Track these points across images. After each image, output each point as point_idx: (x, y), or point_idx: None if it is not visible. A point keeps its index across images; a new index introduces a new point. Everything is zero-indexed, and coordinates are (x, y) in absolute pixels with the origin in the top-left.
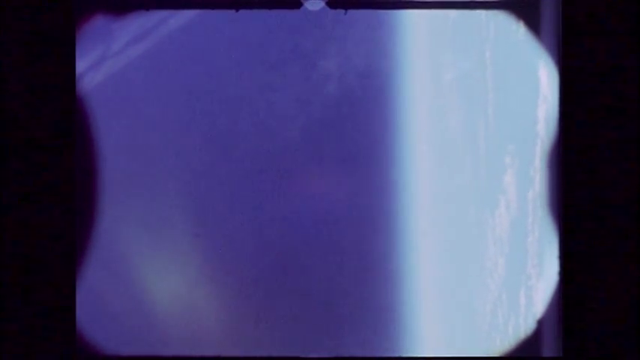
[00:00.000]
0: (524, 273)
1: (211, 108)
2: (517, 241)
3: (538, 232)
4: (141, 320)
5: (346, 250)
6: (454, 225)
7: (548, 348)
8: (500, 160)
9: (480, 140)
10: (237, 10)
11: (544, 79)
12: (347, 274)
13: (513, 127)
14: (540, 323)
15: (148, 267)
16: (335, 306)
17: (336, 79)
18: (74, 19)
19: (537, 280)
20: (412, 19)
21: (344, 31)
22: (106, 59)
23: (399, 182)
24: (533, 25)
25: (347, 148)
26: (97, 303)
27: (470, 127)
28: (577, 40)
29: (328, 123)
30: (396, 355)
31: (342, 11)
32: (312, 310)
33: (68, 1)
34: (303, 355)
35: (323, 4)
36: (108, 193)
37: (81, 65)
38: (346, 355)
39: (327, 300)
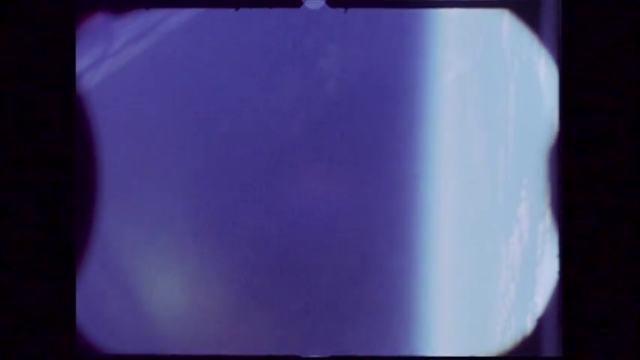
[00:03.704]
0: (531, 301)
1: (211, 106)
2: (527, 270)
3: (546, 264)
4: (140, 320)
5: (345, 250)
6: (468, 239)
7: (548, 348)
8: (517, 191)
9: (500, 157)
10: (237, 9)
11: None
12: (347, 274)
13: (529, 161)
14: (540, 323)
15: (147, 267)
16: (335, 306)
17: (336, 78)
18: (74, 17)
19: (543, 310)
20: (412, 17)
21: (344, 29)
22: (106, 58)
23: (400, 182)
24: (534, 25)
25: (347, 147)
26: (96, 303)
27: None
28: (577, 40)
29: (328, 122)
30: (398, 354)
31: (342, 10)
32: (313, 310)
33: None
34: (303, 355)
35: (323, 2)
36: (108, 192)
37: (81, 64)
38: (346, 354)
39: (326, 300)
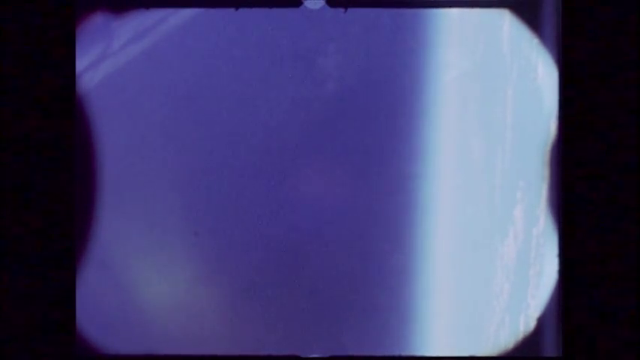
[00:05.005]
0: (524, 301)
1: (211, 106)
2: (521, 271)
3: (539, 267)
4: (140, 320)
5: (345, 250)
6: (465, 240)
7: (548, 348)
8: (513, 194)
9: (497, 161)
10: (236, 9)
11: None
12: (346, 274)
13: (526, 163)
14: (540, 323)
15: (147, 266)
16: (335, 306)
17: (335, 77)
18: (74, 17)
19: (535, 311)
20: (412, 17)
21: (344, 29)
22: (106, 58)
23: (398, 182)
24: (534, 25)
25: (346, 147)
26: (96, 303)
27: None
28: (577, 40)
29: (328, 122)
30: (398, 353)
31: (342, 10)
32: (313, 310)
33: None
34: (303, 355)
35: (323, 2)
36: (108, 192)
37: (81, 64)
38: (346, 354)
39: (326, 300)
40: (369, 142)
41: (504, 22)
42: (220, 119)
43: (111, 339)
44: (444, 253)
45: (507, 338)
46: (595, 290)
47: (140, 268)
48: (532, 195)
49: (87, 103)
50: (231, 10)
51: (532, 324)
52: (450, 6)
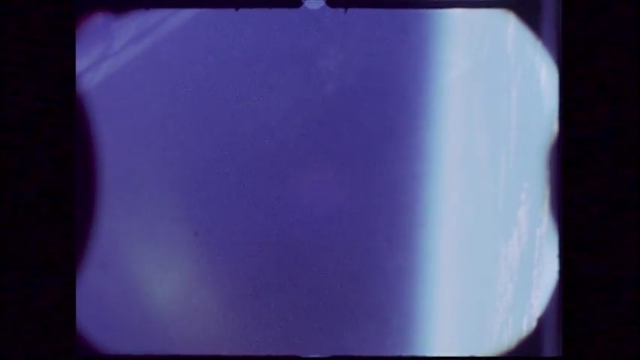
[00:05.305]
0: (528, 301)
1: (211, 106)
2: (524, 272)
3: (542, 267)
4: (141, 320)
5: (346, 250)
6: (468, 240)
7: (548, 348)
8: (516, 195)
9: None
10: (237, 9)
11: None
12: (347, 274)
13: (529, 164)
14: (540, 323)
15: (147, 267)
16: (335, 306)
17: (335, 78)
18: (74, 17)
19: (538, 311)
20: (412, 17)
21: (344, 29)
22: (106, 58)
23: (400, 182)
24: (534, 25)
25: (347, 147)
26: (96, 303)
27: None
28: (577, 40)
29: (328, 122)
30: (398, 353)
31: (342, 10)
32: (313, 310)
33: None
34: (303, 355)
35: (323, 2)
36: (108, 192)
37: (81, 64)
38: (346, 354)
39: (327, 300)
40: (370, 143)
41: (508, 22)
42: (220, 119)
43: (111, 339)
44: (447, 254)
45: (510, 338)
46: (595, 290)
47: (140, 268)
48: (536, 196)
49: (87, 103)
50: (231, 10)
51: (532, 324)
52: (450, 6)
